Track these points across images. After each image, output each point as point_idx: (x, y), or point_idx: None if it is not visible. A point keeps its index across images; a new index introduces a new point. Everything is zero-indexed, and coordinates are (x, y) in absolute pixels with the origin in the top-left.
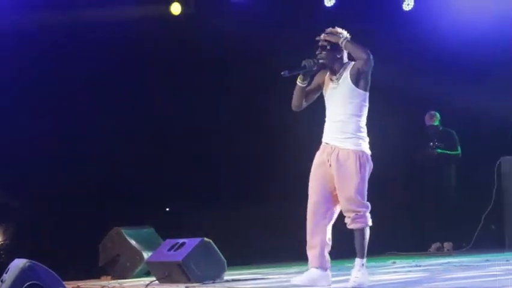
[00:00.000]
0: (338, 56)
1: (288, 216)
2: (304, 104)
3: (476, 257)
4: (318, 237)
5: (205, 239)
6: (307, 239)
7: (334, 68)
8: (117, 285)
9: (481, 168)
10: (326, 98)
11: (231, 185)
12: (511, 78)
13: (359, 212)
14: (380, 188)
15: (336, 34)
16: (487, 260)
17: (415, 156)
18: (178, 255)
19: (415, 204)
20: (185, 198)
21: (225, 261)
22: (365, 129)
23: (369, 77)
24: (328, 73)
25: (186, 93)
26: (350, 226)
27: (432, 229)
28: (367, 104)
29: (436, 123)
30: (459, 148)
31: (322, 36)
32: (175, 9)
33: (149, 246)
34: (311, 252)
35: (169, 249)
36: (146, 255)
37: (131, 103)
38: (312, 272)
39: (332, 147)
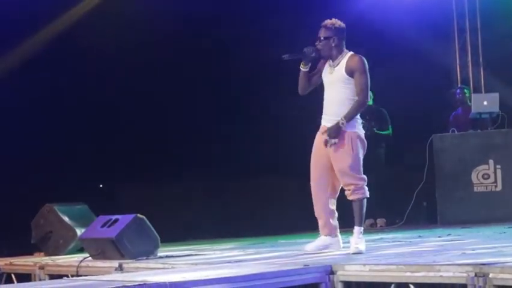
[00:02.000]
0: (333, 45)
1: (225, 192)
2: (309, 88)
3: (408, 233)
4: (322, 208)
5: (139, 215)
6: (315, 210)
7: (332, 55)
8: (50, 261)
9: (413, 146)
10: (324, 82)
11: (167, 161)
12: (444, 55)
13: (358, 184)
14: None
15: (330, 26)
16: (420, 236)
17: None
18: (112, 232)
19: None
20: (119, 174)
21: (159, 237)
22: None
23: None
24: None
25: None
26: (350, 198)
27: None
28: None
29: (370, 102)
30: (390, 128)
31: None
32: None
33: (82, 223)
34: (319, 222)
35: (102, 226)
36: (79, 231)
37: (70, 76)
38: (322, 238)
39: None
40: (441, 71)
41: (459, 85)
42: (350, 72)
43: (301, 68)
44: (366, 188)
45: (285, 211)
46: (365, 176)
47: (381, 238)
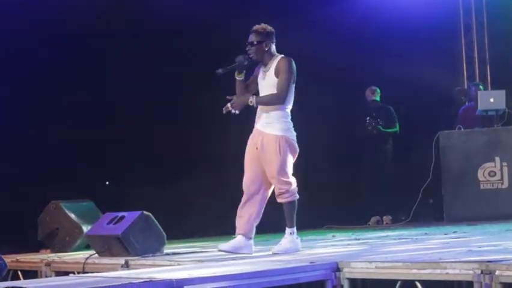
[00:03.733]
0: (266, 49)
1: (230, 190)
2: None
3: (414, 230)
4: (249, 209)
5: (145, 212)
6: (238, 210)
7: (264, 60)
8: (56, 258)
9: (419, 143)
10: (259, 87)
11: (172, 159)
12: (450, 52)
13: (284, 188)
14: (320, 163)
15: (262, 31)
16: (426, 234)
17: (355, 131)
18: (118, 229)
19: (354, 178)
20: (125, 171)
21: (165, 234)
22: (289, 116)
23: (294, 78)
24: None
25: (131, 70)
26: (278, 200)
27: (372, 203)
28: (292, 94)
29: (377, 98)
30: (397, 125)
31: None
32: None
33: (88, 220)
34: (239, 221)
35: (109, 223)
36: (85, 228)
37: (73, 77)
38: (238, 239)
39: (259, 132)
40: (447, 68)
41: (466, 82)
42: (278, 75)
43: (236, 78)
44: (294, 190)
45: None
46: (292, 180)
47: (387, 235)
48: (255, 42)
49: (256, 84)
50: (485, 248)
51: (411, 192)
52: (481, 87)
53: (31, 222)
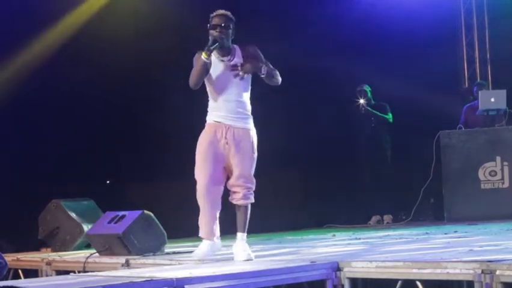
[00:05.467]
0: (232, 37)
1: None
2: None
3: (415, 229)
4: (214, 211)
5: (146, 211)
6: (205, 214)
7: (225, 47)
8: (57, 257)
9: (420, 143)
10: (214, 77)
11: (174, 158)
12: (451, 52)
13: (251, 188)
14: (320, 162)
15: (231, 17)
16: (427, 233)
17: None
18: (118, 228)
19: (354, 176)
20: (126, 170)
21: (165, 233)
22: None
23: None
24: (215, 52)
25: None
26: (240, 201)
27: (372, 202)
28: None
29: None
30: (390, 114)
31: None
32: None
33: (89, 219)
34: (208, 226)
35: (109, 222)
36: (86, 227)
37: (74, 76)
38: (210, 244)
39: (226, 126)
40: (448, 68)
41: (467, 82)
42: (248, 60)
43: (204, 59)
44: None
45: (289, 207)
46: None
47: (388, 235)
48: (230, 26)
49: (209, 71)
50: (486, 248)
51: (412, 192)
52: (484, 83)
53: (32, 221)
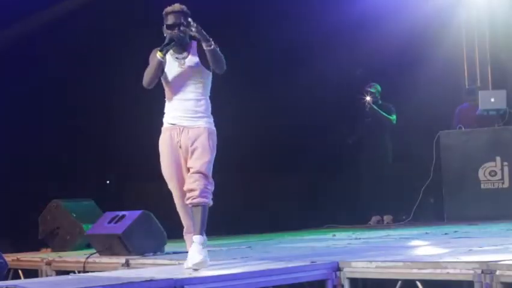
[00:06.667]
0: (190, 34)
1: (231, 189)
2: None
3: (415, 229)
4: (189, 213)
5: (146, 211)
6: (186, 223)
7: (183, 45)
8: (57, 257)
9: (420, 143)
10: (169, 76)
11: None
12: (451, 52)
13: (209, 188)
14: (321, 162)
15: (187, 12)
16: (426, 233)
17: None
18: (118, 228)
19: (355, 177)
20: (126, 170)
21: (166, 233)
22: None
23: None
24: (171, 51)
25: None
26: (195, 201)
27: (372, 202)
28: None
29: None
30: (394, 116)
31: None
32: None
33: (89, 219)
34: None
35: (109, 222)
36: (86, 227)
37: (75, 75)
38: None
39: (180, 129)
40: (448, 68)
41: (466, 82)
42: (205, 59)
43: (159, 58)
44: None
45: (291, 207)
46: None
47: (388, 235)
48: (185, 23)
49: (163, 70)
50: (486, 248)
51: (412, 192)
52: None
53: (32, 221)
